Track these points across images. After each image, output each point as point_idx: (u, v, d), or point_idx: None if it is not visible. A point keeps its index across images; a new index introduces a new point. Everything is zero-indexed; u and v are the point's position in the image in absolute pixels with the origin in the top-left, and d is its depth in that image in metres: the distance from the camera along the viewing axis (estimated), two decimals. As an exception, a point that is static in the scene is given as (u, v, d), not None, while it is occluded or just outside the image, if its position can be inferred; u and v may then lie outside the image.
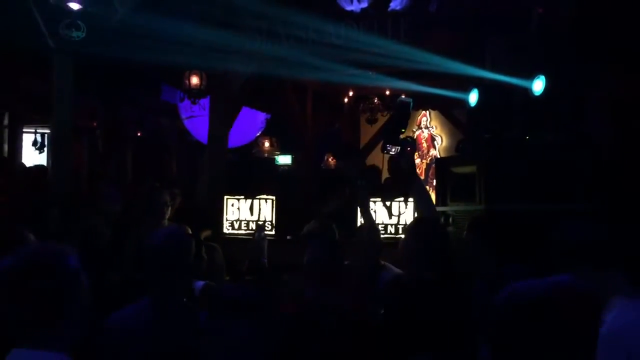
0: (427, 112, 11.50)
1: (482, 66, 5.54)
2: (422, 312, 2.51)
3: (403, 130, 3.20)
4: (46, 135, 11.48)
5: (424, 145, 11.55)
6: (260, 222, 6.14)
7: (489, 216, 3.35)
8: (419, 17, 6.38)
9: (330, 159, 10.64)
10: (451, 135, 11.12)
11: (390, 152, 3.08)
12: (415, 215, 3.26)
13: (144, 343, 2.62)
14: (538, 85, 4.93)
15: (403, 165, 3.12)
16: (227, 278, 4.58)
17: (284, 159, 11.46)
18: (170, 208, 4.74)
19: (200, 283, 3.14)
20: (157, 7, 5.60)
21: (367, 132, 11.02)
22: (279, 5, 6.05)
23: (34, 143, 11.83)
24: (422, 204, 3.17)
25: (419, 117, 11.49)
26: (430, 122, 11.66)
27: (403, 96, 3.39)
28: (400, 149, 3.11)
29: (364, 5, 7.03)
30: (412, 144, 3.21)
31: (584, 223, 2.30)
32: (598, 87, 5.39)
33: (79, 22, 5.16)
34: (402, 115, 3.13)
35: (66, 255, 1.79)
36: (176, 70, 7.96)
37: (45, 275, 1.72)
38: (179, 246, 2.88)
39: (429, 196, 3.32)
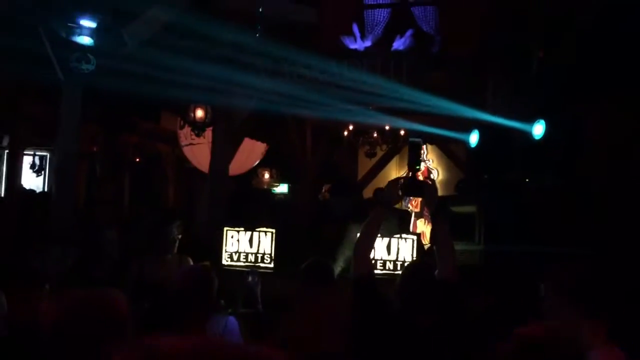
0: (424, 145, 11.63)
1: (483, 108, 5.65)
2: None
3: (418, 167, 3.21)
4: (44, 158, 11.50)
5: (420, 178, 11.61)
6: (251, 264, 6.05)
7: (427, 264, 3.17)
8: (421, 58, 6.51)
9: (325, 192, 10.68)
10: (448, 169, 11.24)
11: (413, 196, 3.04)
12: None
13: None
14: (538, 130, 5.04)
15: (435, 207, 3.04)
16: (222, 302, 4.59)
17: (281, 188, 11.50)
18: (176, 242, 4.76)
19: (232, 319, 3.23)
20: (165, 42, 5.69)
21: (365, 164, 11.10)
22: (283, 44, 6.16)
23: (32, 166, 11.83)
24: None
25: (416, 151, 11.59)
26: (427, 155, 11.77)
27: (418, 139, 3.35)
28: (424, 192, 3.04)
29: (368, 44, 7.18)
30: (433, 183, 3.11)
31: (586, 266, 2.25)
32: (596, 132, 5.49)
33: (89, 55, 5.24)
34: (415, 156, 3.15)
35: (120, 300, 1.94)
36: (176, 98, 8.04)
37: (99, 318, 1.87)
38: (203, 286, 2.91)
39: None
